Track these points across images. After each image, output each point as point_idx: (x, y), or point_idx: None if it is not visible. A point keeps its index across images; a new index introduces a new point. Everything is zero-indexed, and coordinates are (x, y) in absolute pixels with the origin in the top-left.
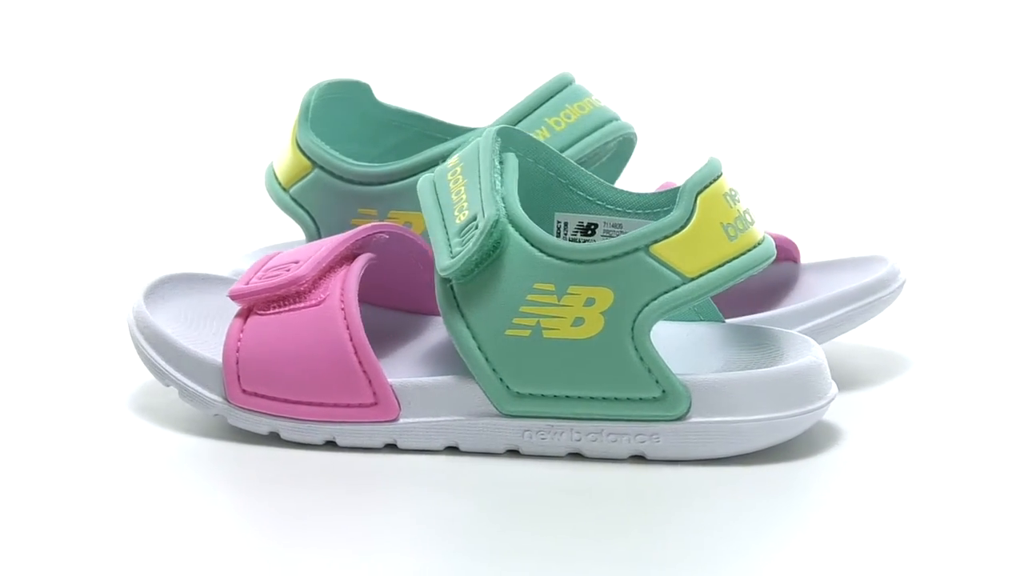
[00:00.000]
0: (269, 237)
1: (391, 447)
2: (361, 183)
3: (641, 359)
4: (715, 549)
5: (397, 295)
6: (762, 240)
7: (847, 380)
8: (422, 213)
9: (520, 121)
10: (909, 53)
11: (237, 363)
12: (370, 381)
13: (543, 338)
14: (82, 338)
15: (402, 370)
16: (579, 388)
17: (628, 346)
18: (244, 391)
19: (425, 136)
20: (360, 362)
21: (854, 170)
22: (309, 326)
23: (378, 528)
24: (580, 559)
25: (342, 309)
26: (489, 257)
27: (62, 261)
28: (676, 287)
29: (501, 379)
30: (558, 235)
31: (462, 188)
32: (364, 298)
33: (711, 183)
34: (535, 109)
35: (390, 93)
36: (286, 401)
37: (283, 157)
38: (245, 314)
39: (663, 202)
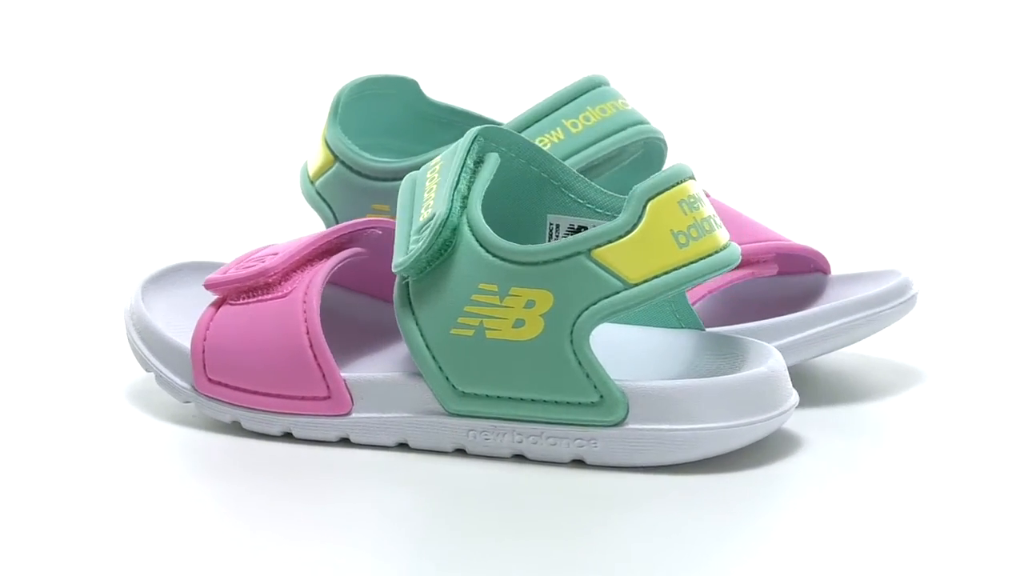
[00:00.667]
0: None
1: (346, 441)
2: (375, 178)
3: (579, 363)
4: (634, 560)
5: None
6: (721, 248)
7: (857, 393)
8: None
9: (538, 121)
10: (947, 70)
11: (203, 352)
12: (324, 375)
13: (486, 338)
14: (90, 327)
15: (383, 365)
16: (520, 390)
17: (567, 349)
18: (210, 380)
19: None
20: (315, 355)
21: (896, 187)
22: (271, 318)
23: (309, 519)
24: (500, 559)
25: (304, 302)
26: (440, 256)
27: (97, 250)
28: (617, 292)
29: (447, 378)
30: (551, 237)
31: (434, 186)
32: (364, 290)
33: (666, 189)
34: (555, 110)
35: (444, 91)
36: (247, 391)
37: (314, 152)
38: (219, 304)
39: None
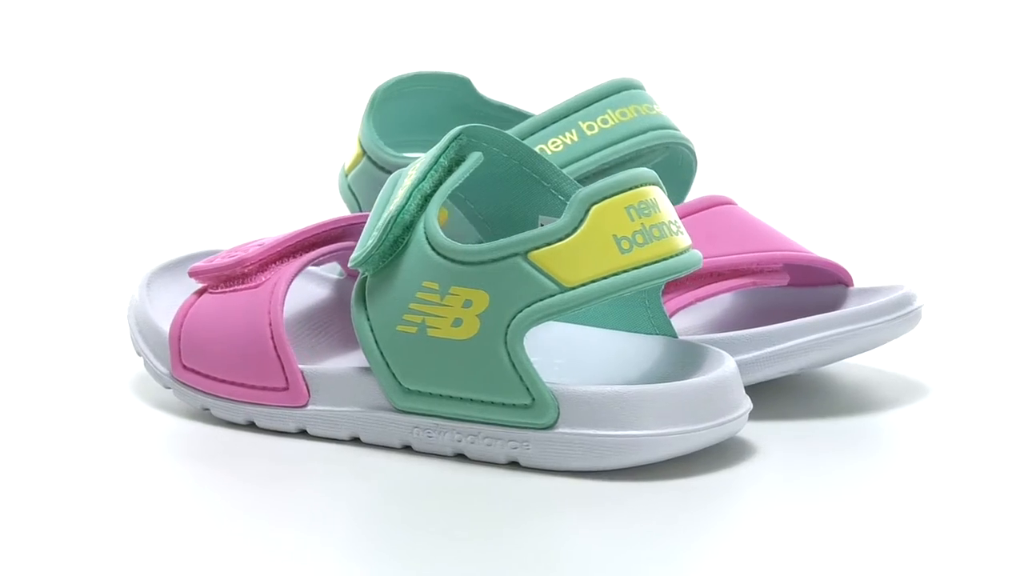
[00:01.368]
0: None
1: (304, 433)
2: None
3: (513, 364)
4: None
5: None
6: (676, 254)
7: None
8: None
9: (555, 122)
10: (985, 86)
11: (179, 339)
12: (283, 366)
13: (427, 336)
14: (98, 318)
15: (349, 360)
16: (458, 388)
17: (501, 351)
18: (184, 367)
19: None
20: (275, 346)
21: (933, 202)
22: (242, 308)
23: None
24: (425, 559)
25: (272, 293)
26: (392, 252)
27: (121, 245)
28: (552, 295)
29: (393, 374)
30: None
31: (407, 183)
32: None
33: (613, 195)
34: (574, 112)
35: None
36: (215, 379)
37: (352, 148)
38: (201, 292)
39: None
